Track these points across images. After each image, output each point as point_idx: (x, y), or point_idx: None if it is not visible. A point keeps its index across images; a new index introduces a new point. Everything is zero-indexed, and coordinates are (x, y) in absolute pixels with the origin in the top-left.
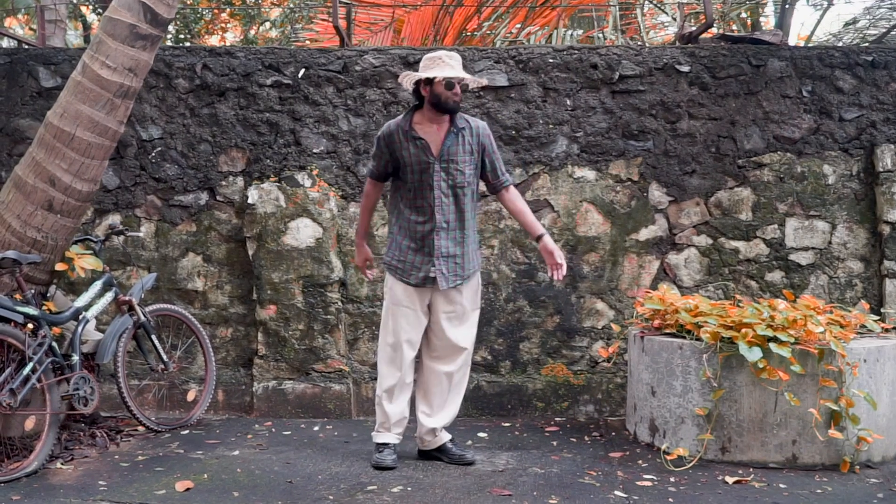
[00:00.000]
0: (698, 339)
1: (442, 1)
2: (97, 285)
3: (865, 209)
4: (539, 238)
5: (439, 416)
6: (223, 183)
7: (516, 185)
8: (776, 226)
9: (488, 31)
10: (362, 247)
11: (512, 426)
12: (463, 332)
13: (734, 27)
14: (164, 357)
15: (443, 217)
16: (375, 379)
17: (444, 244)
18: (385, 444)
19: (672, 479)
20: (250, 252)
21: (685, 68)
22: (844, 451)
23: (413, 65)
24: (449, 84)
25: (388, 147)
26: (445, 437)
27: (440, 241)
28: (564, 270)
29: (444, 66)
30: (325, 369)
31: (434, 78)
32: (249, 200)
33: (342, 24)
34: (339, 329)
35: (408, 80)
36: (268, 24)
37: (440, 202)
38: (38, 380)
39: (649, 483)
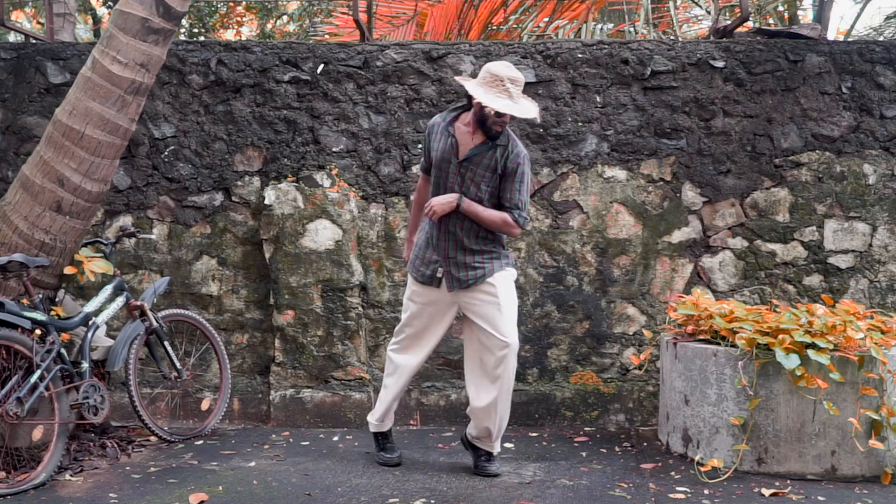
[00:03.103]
0: (733, 345)
1: None
2: (108, 290)
3: None
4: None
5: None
6: (239, 183)
7: (543, 186)
8: (814, 227)
9: (515, 25)
10: (411, 243)
11: (539, 436)
12: (503, 320)
13: (771, 21)
14: (178, 364)
15: (452, 220)
16: None
17: (451, 247)
18: (382, 434)
19: (706, 492)
20: (267, 255)
21: (720, 64)
22: (886, 462)
23: (436, 60)
24: (499, 112)
25: (429, 136)
26: (488, 444)
27: (447, 243)
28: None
29: (502, 93)
30: (345, 377)
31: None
32: (266, 201)
33: (363, 17)
34: (360, 335)
35: (465, 86)
36: (285, 18)
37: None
38: (46, 388)
39: (682, 496)
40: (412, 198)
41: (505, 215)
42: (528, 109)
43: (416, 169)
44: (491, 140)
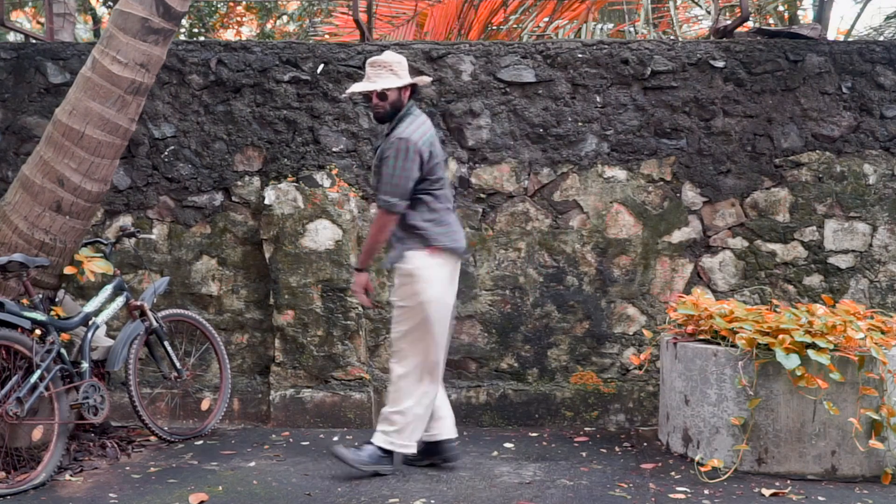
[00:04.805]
0: (733, 345)
1: None
2: (107, 290)
3: None
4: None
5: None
6: (239, 183)
7: (543, 186)
8: (814, 227)
9: (515, 25)
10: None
11: (539, 436)
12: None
13: (771, 21)
14: (178, 364)
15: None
16: None
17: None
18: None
19: (706, 492)
20: (267, 255)
21: (720, 64)
22: (886, 463)
23: (436, 60)
24: (365, 96)
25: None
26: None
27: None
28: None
29: (363, 79)
30: (345, 377)
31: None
32: (266, 201)
33: (363, 17)
34: (360, 335)
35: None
36: (285, 18)
37: None
38: (46, 388)
39: (682, 496)
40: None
41: (376, 216)
42: (373, 84)
43: None
44: (380, 122)
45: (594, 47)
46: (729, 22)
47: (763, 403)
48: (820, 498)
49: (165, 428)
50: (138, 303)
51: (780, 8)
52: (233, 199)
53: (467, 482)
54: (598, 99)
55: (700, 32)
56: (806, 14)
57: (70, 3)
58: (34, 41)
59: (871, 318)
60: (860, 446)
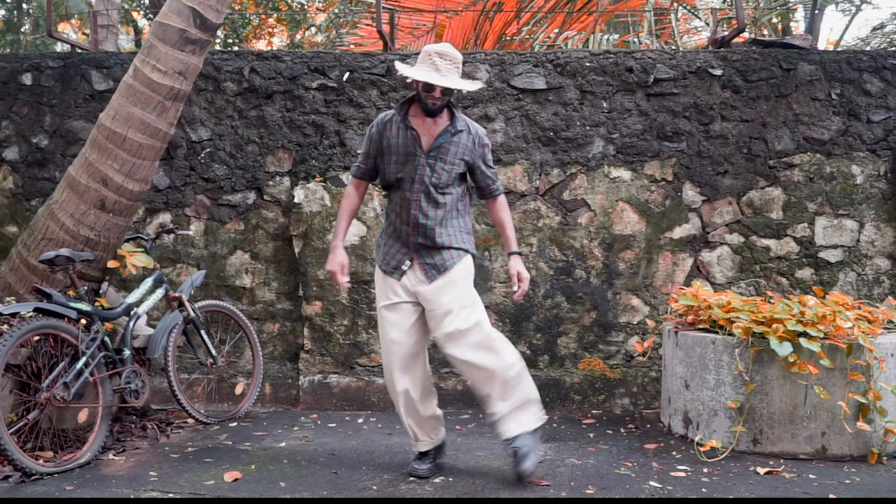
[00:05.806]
0: (731, 334)
1: (482, 6)
2: (148, 282)
3: (893, 208)
4: (510, 255)
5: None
6: (270, 183)
7: (553, 186)
8: (806, 224)
9: (527, 36)
10: (338, 249)
11: (550, 419)
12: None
13: (765, 32)
14: (213, 352)
15: (420, 213)
16: None
17: (420, 240)
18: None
19: (705, 470)
20: (296, 250)
21: (718, 72)
22: (872, 443)
23: None
24: (427, 86)
25: (380, 134)
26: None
27: (416, 238)
28: (523, 289)
29: (429, 67)
30: (369, 363)
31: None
32: (295, 200)
33: (385, 28)
34: None
35: (398, 68)
36: (313, 29)
37: (418, 197)
38: (91, 374)
39: (683, 474)
40: (340, 205)
41: (502, 204)
42: (453, 81)
43: None
44: (451, 114)
45: (601, 56)
46: (726, 33)
47: (758, 388)
48: (811, 476)
49: (202, 411)
50: (177, 294)
51: (774, 20)
52: (265, 197)
53: (483, 461)
54: (604, 105)
55: (699, 43)
56: (798, 25)
57: (113, 15)
58: (80, 51)
59: (859, 308)
60: (848, 428)
